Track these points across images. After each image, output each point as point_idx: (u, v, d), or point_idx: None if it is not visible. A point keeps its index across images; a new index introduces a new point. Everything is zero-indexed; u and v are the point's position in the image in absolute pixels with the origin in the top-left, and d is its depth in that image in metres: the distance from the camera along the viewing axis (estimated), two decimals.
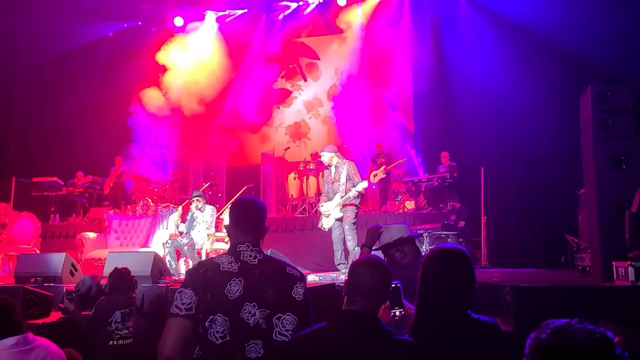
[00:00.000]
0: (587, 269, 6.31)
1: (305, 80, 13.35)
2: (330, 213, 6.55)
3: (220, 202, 11.76)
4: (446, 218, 8.92)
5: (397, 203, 10.21)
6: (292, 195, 10.90)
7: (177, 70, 11.65)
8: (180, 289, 2.26)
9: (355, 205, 6.55)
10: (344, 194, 6.43)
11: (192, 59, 11.81)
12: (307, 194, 10.67)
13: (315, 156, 10.92)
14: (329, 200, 6.64)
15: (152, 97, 11.47)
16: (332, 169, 6.66)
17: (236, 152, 13.27)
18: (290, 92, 13.50)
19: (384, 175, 10.59)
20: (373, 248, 3.12)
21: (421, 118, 11.75)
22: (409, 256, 3.02)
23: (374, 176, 10.56)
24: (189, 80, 11.56)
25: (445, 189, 9.83)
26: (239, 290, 2.23)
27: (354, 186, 6.48)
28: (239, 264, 2.29)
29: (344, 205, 6.47)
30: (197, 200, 7.94)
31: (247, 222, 2.37)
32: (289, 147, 12.08)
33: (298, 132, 13.53)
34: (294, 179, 10.98)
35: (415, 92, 11.78)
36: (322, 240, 8.26)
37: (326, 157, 6.67)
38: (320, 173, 10.25)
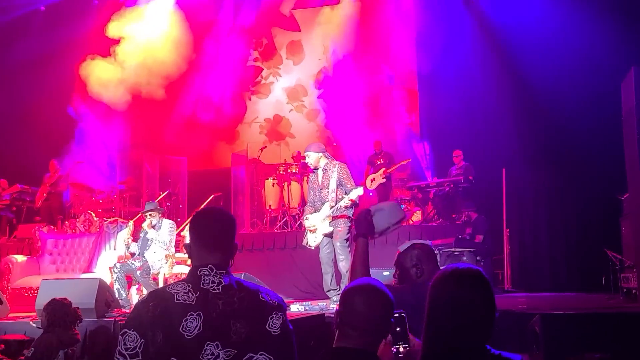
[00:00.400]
0: (634, 291, 6.33)
1: (276, 53, 13.57)
2: (318, 227, 6.58)
3: (182, 215, 11.81)
4: (460, 231, 9.01)
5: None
6: (270, 206, 11.02)
7: (134, 42, 11.57)
8: (123, 329, 2.23)
9: (348, 218, 6.57)
10: (334, 204, 6.45)
11: (151, 33, 11.73)
12: (288, 204, 10.75)
13: (299, 157, 11.02)
14: (315, 212, 6.69)
15: (99, 77, 11.24)
16: (320, 172, 6.73)
17: (201, 153, 13.34)
18: (262, 70, 13.76)
19: (384, 179, 10.71)
20: (375, 235, 3.16)
21: (429, 109, 11.92)
22: (427, 274, 3.06)
23: (372, 181, 10.72)
24: (149, 57, 11.53)
25: (459, 196, 9.95)
26: (197, 327, 2.20)
27: (346, 194, 6.50)
28: (198, 293, 2.26)
29: (334, 218, 6.51)
30: (150, 215, 7.91)
31: (211, 239, 2.33)
32: (265, 147, 12.18)
33: (276, 128, 13.65)
34: (273, 185, 11.09)
35: (421, 76, 11.98)
36: (307, 261, 8.39)
37: (312, 158, 6.73)
38: (305, 178, 10.37)
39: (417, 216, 10.58)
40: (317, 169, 6.73)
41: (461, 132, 11.22)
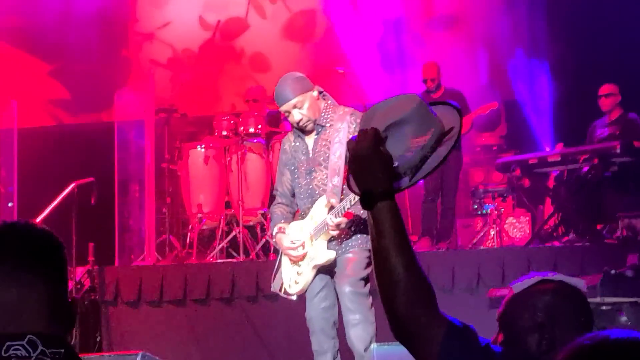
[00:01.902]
0: None
1: None
2: (307, 249, 5.04)
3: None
4: (614, 259, 6.90)
5: (480, 223, 8.73)
6: (199, 207, 8.54)
7: None
8: None
9: (366, 229, 4.64)
10: (339, 198, 4.90)
11: None
12: (239, 202, 8.31)
13: (257, 93, 9.18)
14: (302, 215, 5.17)
15: None
16: (312, 135, 5.22)
17: (48, 97, 11.05)
18: None
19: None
20: (402, 183, 1.97)
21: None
22: (559, 342, 2.18)
23: None
24: None
25: (612, 184, 8.01)
26: None
27: None
28: None
29: (337, 227, 4.90)
30: None
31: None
32: (190, 77, 10.44)
33: (215, 43, 10.80)
34: (205, 162, 8.61)
35: None
36: (281, 325, 7.18)
37: (303, 106, 5.03)
38: (273, 147, 8.45)
39: (518, 228, 8.74)
40: (305, 124, 4.99)
41: (612, 49, 9.38)
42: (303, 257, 5.04)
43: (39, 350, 1.68)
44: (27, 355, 1.67)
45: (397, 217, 1.86)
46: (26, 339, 1.69)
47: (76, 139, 10.25)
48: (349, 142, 1.97)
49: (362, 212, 4.81)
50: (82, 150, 9.76)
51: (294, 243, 5.03)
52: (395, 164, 1.92)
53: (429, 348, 1.81)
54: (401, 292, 1.79)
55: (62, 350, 1.70)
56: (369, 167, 1.92)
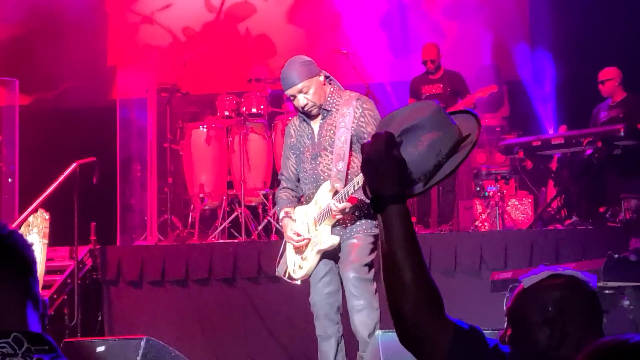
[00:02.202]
0: None
1: None
2: (310, 236, 5.06)
3: (5, 204, 9.05)
4: (617, 243, 6.76)
5: (482, 205, 8.75)
6: (202, 187, 8.59)
7: None
8: None
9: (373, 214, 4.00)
10: (343, 182, 4.94)
11: None
12: (241, 183, 8.38)
13: (263, 82, 8.95)
14: (303, 203, 5.19)
15: None
16: (318, 119, 5.18)
17: (50, 71, 10.51)
18: None
19: None
20: (414, 189, 2.02)
21: None
22: (572, 345, 2.16)
23: None
24: None
25: (615, 167, 7.99)
26: None
27: None
28: None
29: (341, 212, 4.91)
30: None
31: None
32: (193, 57, 9.77)
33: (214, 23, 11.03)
34: (207, 142, 8.63)
35: None
36: (284, 309, 7.14)
37: (309, 90, 5.02)
38: (278, 128, 8.40)
39: (520, 210, 8.71)
40: (310, 109, 4.99)
41: (617, 34, 9.36)
42: (304, 242, 5.07)
43: (24, 348, 1.70)
44: (13, 352, 1.69)
45: (407, 221, 1.85)
46: (11, 337, 1.71)
47: (78, 118, 10.15)
48: (363, 145, 1.96)
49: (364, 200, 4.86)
50: (84, 129, 9.66)
51: (298, 235, 5.08)
52: (409, 169, 1.92)
53: (436, 353, 1.81)
54: (408, 296, 1.79)
55: (47, 347, 1.72)
56: (381, 170, 1.91)
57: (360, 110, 4.99)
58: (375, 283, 4.91)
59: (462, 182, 8.90)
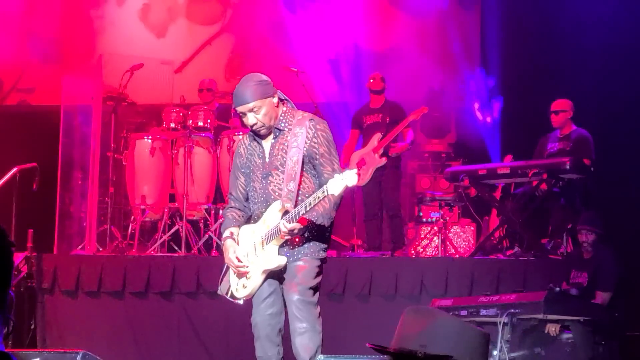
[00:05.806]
0: None
1: None
2: (258, 253, 4.99)
3: None
4: (559, 275, 7.02)
5: (425, 231, 8.79)
6: (144, 198, 8.59)
7: None
8: None
9: (325, 234, 5.06)
10: (294, 202, 4.91)
11: None
12: (184, 195, 8.38)
13: (214, 93, 9.14)
14: (254, 219, 5.10)
15: None
16: (269, 139, 5.13)
17: None
18: None
19: (382, 159, 8.43)
20: None
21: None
22: None
23: (360, 163, 8.63)
24: None
25: (559, 199, 8.05)
26: None
27: (320, 184, 5.02)
28: None
29: (290, 232, 4.86)
30: None
31: None
32: (141, 66, 9.08)
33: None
34: (151, 153, 8.63)
35: None
36: (222, 327, 7.13)
37: (260, 110, 4.96)
38: (225, 143, 8.43)
39: (462, 238, 8.66)
40: (259, 129, 4.98)
41: (566, 67, 9.27)
42: (248, 264, 5.04)
43: None
44: None
45: None
46: None
47: (20, 122, 9.93)
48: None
49: (316, 219, 4.93)
50: (26, 134, 9.46)
51: (239, 261, 5.09)
52: None
53: None
54: None
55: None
56: None
57: (313, 131, 4.98)
58: (318, 307, 4.92)
59: (405, 207, 8.77)
